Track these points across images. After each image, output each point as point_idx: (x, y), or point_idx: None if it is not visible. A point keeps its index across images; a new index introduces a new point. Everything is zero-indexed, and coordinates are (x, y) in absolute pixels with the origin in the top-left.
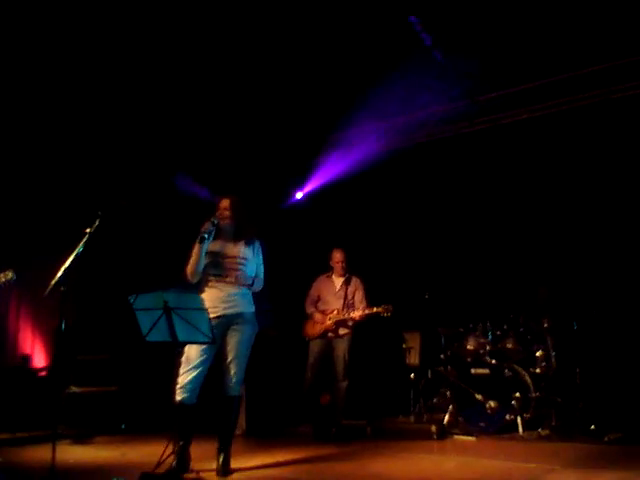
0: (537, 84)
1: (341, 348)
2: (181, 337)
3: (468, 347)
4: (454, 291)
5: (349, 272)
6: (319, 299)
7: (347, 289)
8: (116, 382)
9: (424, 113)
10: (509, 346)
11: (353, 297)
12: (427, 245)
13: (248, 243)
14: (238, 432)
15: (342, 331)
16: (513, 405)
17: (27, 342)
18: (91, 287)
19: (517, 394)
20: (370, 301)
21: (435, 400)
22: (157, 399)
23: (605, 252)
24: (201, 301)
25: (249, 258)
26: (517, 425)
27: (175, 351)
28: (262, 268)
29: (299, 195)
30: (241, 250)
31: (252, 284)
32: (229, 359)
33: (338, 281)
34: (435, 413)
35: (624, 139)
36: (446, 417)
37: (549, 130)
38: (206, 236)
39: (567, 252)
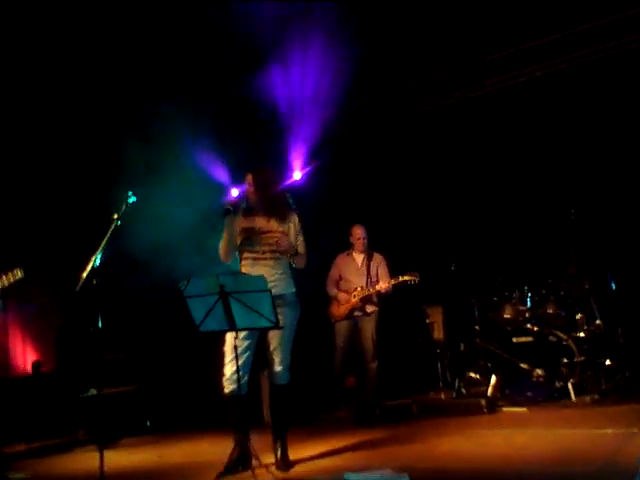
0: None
1: (369, 328)
2: (241, 324)
3: (505, 316)
4: (481, 261)
5: (370, 248)
6: (341, 279)
7: (370, 265)
8: (135, 381)
9: None
10: (550, 311)
11: (377, 273)
12: (449, 215)
13: (282, 216)
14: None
15: (369, 308)
16: (561, 371)
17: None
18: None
19: (565, 360)
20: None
21: (472, 374)
22: (179, 395)
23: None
24: (263, 282)
25: (286, 232)
26: (567, 392)
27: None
28: (303, 243)
29: (297, 175)
30: (275, 224)
31: (293, 261)
32: (273, 346)
33: (359, 258)
34: (473, 386)
35: None
36: (490, 389)
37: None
38: (231, 208)
39: (598, 213)
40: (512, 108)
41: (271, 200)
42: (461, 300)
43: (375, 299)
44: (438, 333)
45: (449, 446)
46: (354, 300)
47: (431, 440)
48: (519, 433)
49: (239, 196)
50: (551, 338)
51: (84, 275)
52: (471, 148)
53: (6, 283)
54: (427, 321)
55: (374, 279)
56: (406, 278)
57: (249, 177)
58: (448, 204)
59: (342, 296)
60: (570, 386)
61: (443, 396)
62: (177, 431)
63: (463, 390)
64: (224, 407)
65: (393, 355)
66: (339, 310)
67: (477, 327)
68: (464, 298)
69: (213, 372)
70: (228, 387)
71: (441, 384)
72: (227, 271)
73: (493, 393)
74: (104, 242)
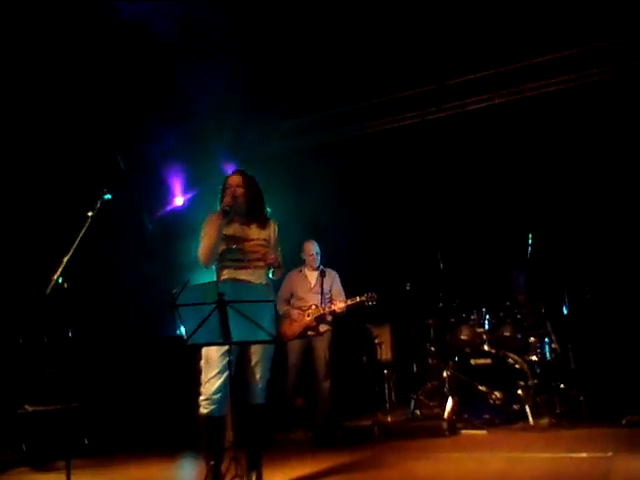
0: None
1: (321, 347)
2: (236, 336)
3: (462, 337)
4: (437, 282)
5: (322, 265)
6: (292, 297)
7: (323, 283)
8: (76, 398)
9: None
10: (507, 334)
11: (330, 291)
12: (404, 234)
13: (262, 223)
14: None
15: (322, 328)
16: (518, 394)
17: None
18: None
19: (522, 382)
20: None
21: (424, 396)
22: (125, 415)
23: (597, 233)
24: (265, 291)
25: (268, 239)
26: (523, 414)
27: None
28: (280, 253)
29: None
30: (256, 231)
31: (273, 272)
32: (254, 361)
33: (312, 275)
34: (426, 408)
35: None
36: (446, 412)
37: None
38: (228, 209)
39: (554, 236)
40: (469, 133)
41: (255, 205)
42: (414, 320)
43: (329, 319)
44: (386, 353)
45: (425, 471)
46: (308, 319)
47: (402, 464)
48: (494, 458)
49: (234, 200)
50: (509, 361)
51: (55, 277)
52: (427, 169)
53: None
54: (375, 341)
55: (328, 297)
56: (363, 299)
57: (236, 178)
58: (404, 223)
59: (296, 313)
60: (528, 409)
61: (389, 418)
62: (120, 453)
63: (417, 412)
64: (191, 429)
65: (338, 375)
66: (292, 328)
67: (432, 348)
68: (418, 318)
69: (163, 390)
70: (207, 407)
71: (387, 405)
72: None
73: (450, 415)
74: (77, 241)
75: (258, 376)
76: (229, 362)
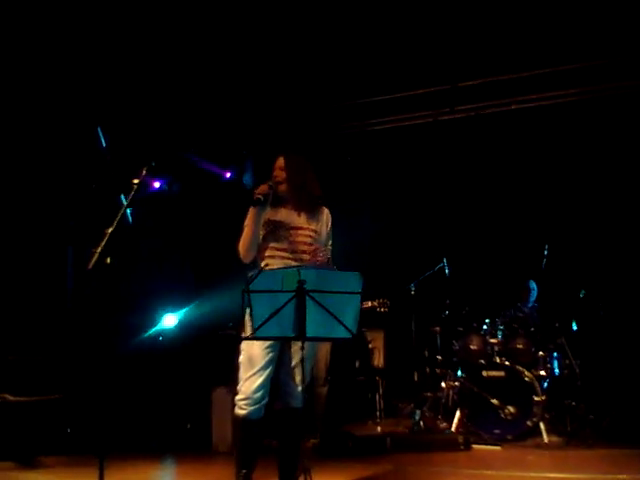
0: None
1: (323, 350)
2: (312, 332)
3: (472, 347)
4: (445, 288)
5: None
6: None
7: None
8: (59, 389)
9: None
10: (519, 346)
11: None
12: (412, 238)
13: (314, 211)
14: (223, 449)
15: None
16: (534, 410)
17: None
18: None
19: (537, 398)
20: None
21: (425, 407)
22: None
23: (613, 246)
24: (357, 280)
25: (318, 231)
26: (535, 431)
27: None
28: (330, 248)
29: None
30: (305, 220)
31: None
32: (295, 361)
33: None
34: (426, 419)
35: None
36: (454, 424)
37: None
38: (261, 197)
39: (571, 246)
40: (481, 137)
41: (304, 191)
42: (418, 326)
43: None
44: (378, 360)
45: None
46: None
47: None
48: (525, 477)
49: (270, 187)
50: (524, 374)
51: (98, 251)
52: (439, 170)
53: None
54: (370, 346)
55: None
56: (375, 304)
57: (280, 161)
58: (412, 226)
59: None
60: (542, 426)
61: (379, 428)
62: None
63: (422, 423)
64: (195, 430)
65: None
66: None
67: (439, 357)
68: (422, 325)
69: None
70: (245, 408)
71: (378, 414)
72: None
73: (457, 428)
74: (121, 211)
75: (299, 378)
76: (270, 359)
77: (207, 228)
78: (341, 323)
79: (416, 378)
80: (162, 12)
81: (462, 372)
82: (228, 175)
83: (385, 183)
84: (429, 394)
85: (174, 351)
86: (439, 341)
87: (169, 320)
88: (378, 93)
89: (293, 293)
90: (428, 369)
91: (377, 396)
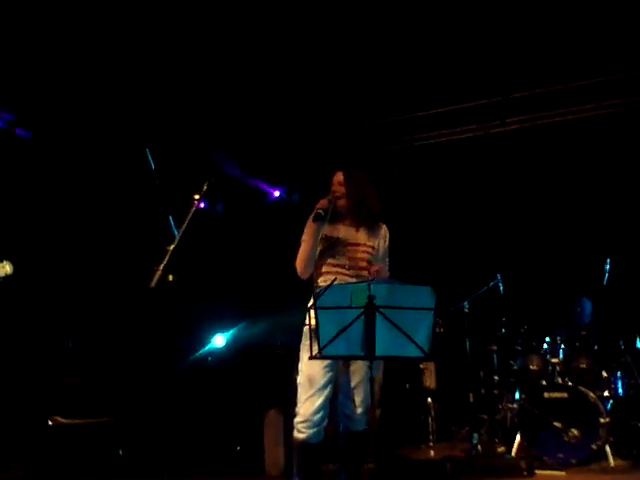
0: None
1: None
2: (381, 350)
3: (532, 367)
4: (503, 304)
5: None
6: None
7: None
8: (112, 411)
9: None
10: (582, 366)
11: None
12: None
13: (373, 228)
14: (276, 473)
15: None
16: (599, 433)
17: None
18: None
19: (602, 420)
20: None
21: (482, 430)
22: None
23: None
24: (430, 295)
25: (376, 247)
26: (600, 455)
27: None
28: (387, 265)
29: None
30: (364, 237)
31: None
32: (355, 382)
33: None
34: (484, 443)
35: None
36: (514, 449)
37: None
38: (322, 212)
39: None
40: (537, 148)
41: (364, 206)
42: (474, 346)
43: None
44: (430, 381)
45: None
46: None
47: None
48: None
49: (330, 201)
50: (588, 396)
51: (160, 268)
52: (492, 184)
53: None
54: (420, 366)
55: None
56: None
57: (339, 175)
58: (465, 242)
59: None
60: (608, 449)
61: (432, 453)
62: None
63: (479, 447)
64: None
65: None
66: None
67: (496, 377)
68: (478, 344)
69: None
70: (304, 431)
71: (431, 437)
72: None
73: (517, 453)
74: (183, 227)
75: (359, 399)
76: (329, 379)
77: (254, 247)
78: (412, 341)
79: (471, 399)
80: (208, 37)
81: (521, 393)
82: (277, 194)
83: (436, 198)
84: (485, 416)
85: (225, 372)
86: (496, 361)
87: (218, 340)
88: (427, 107)
89: (362, 309)
90: (484, 390)
91: (429, 419)
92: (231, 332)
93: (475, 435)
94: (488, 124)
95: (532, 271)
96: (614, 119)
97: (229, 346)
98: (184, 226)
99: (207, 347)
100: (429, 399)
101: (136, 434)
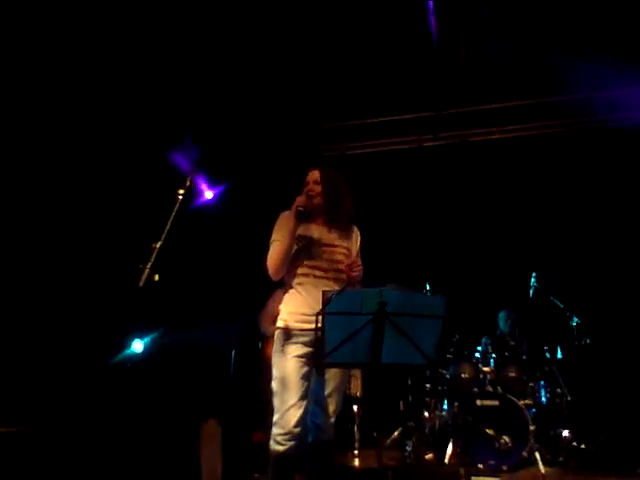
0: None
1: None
2: (387, 358)
3: (463, 375)
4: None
5: None
6: None
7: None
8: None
9: None
10: (512, 374)
11: None
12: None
13: (345, 229)
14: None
15: None
16: (531, 440)
17: None
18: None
19: (532, 427)
20: None
21: (413, 436)
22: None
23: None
24: (441, 304)
25: (350, 249)
26: (530, 461)
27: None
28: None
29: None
30: (336, 238)
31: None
32: (329, 390)
33: None
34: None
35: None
36: (447, 456)
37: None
38: (303, 210)
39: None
40: (464, 164)
41: (340, 207)
42: None
43: None
44: (356, 387)
45: None
46: None
47: None
48: None
49: (309, 198)
50: (518, 403)
51: (147, 267)
52: (415, 195)
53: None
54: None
55: None
56: None
57: (315, 174)
58: (393, 249)
59: None
60: (538, 456)
61: (357, 462)
62: None
63: (412, 455)
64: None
65: None
66: None
67: (428, 385)
68: None
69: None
70: (286, 444)
71: (356, 444)
72: None
73: (450, 460)
74: (168, 225)
75: (332, 408)
76: (307, 388)
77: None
78: (419, 349)
79: (402, 407)
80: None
81: (452, 401)
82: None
83: (368, 207)
84: (412, 424)
85: (158, 380)
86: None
87: (137, 345)
88: (363, 116)
89: (372, 316)
90: (411, 398)
91: (355, 426)
92: (150, 337)
93: (408, 442)
94: (421, 136)
95: (461, 281)
96: (538, 140)
97: (158, 352)
98: (169, 222)
99: (126, 352)
100: (354, 406)
101: (56, 446)
